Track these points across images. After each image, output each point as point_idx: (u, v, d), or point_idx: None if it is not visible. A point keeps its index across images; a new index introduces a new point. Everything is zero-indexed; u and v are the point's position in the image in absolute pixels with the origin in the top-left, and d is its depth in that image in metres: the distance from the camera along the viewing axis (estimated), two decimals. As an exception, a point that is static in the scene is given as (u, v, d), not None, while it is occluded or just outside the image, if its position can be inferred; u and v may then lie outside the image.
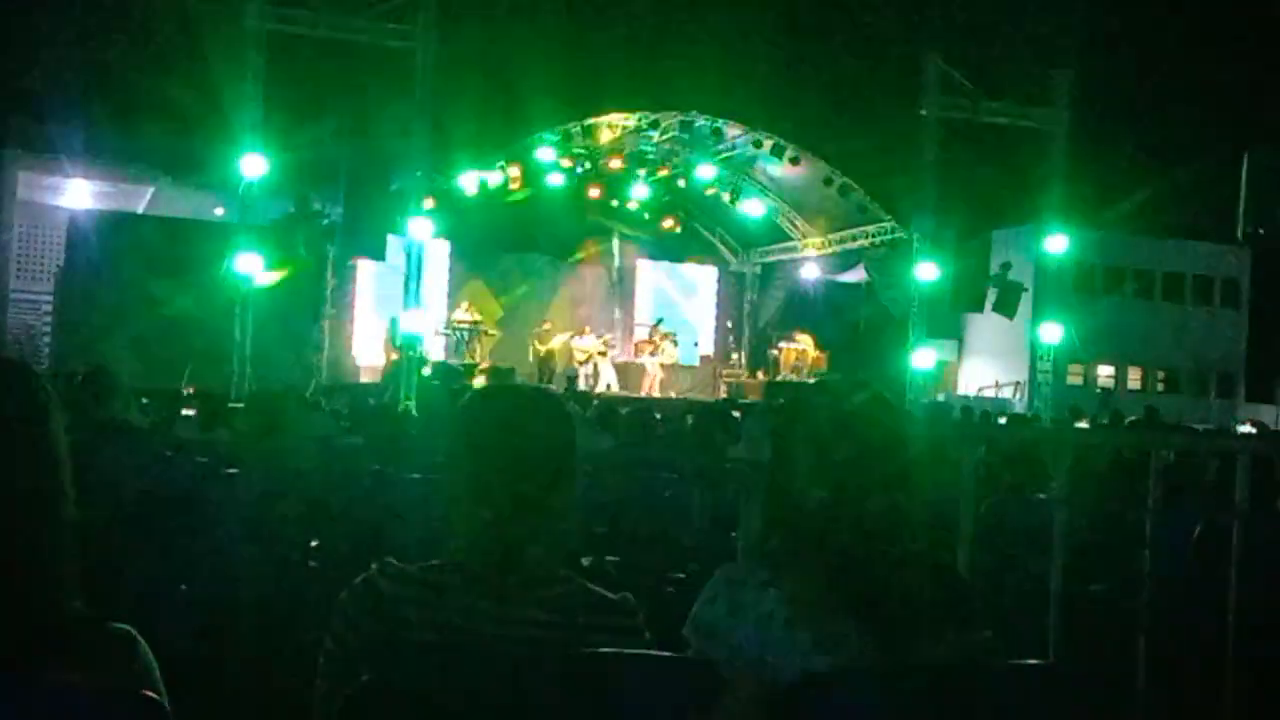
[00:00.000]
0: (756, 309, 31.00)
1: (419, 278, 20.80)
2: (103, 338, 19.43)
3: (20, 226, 24.76)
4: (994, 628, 2.28)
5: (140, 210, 25.14)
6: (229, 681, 3.93)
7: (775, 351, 26.87)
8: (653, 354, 26.45)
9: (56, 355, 21.60)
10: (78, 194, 24.84)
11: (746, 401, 20.82)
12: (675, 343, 26.72)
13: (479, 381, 21.64)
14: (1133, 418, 15.45)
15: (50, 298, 23.69)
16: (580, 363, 25.90)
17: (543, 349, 25.28)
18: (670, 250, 30.11)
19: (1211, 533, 4.67)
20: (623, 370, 26.33)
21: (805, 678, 2.08)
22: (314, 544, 4.96)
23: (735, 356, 29.74)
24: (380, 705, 2.12)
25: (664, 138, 25.49)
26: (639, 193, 27.91)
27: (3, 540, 1.75)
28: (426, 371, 20.56)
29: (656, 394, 24.86)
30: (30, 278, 25.23)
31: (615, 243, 29.39)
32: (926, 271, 24.12)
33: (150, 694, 1.79)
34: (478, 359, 23.90)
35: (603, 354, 26.22)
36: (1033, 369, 24.96)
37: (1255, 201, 12.61)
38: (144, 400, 12.14)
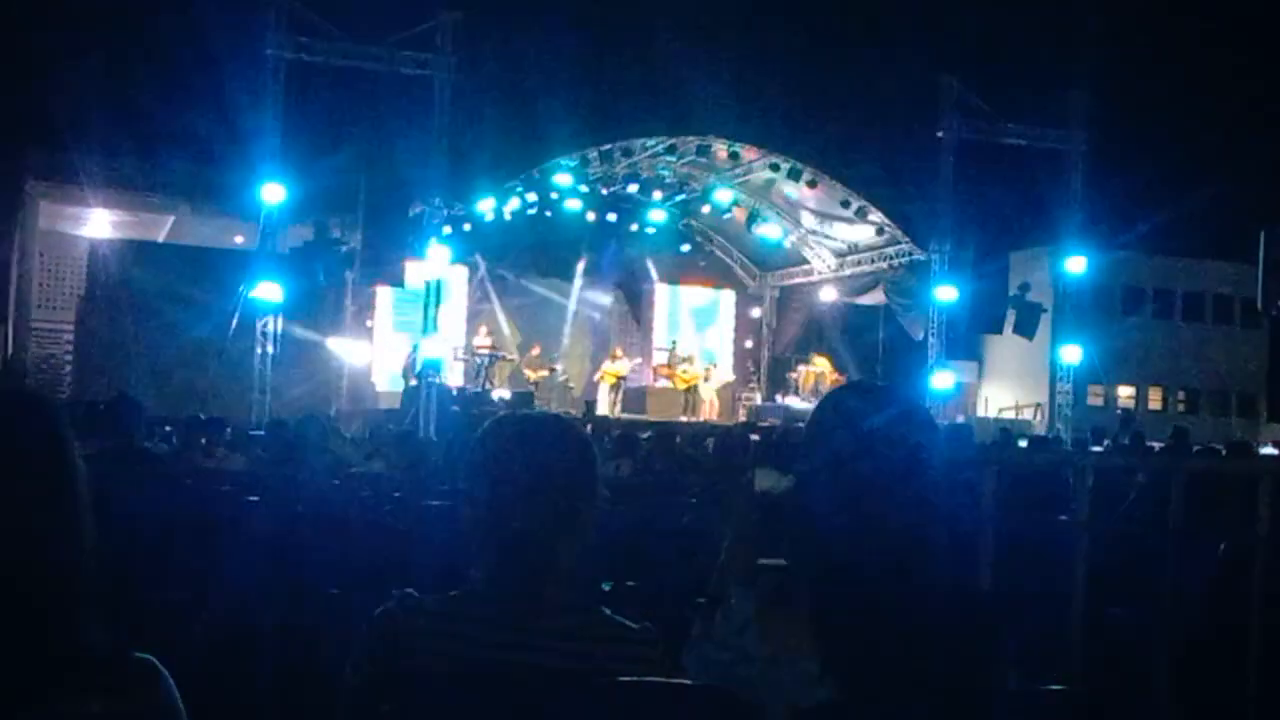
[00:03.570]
0: (775, 332, 30.98)
1: (438, 304, 20.88)
2: (123, 366, 19.55)
3: (42, 256, 24.93)
4: (1015, 653, 2.26)
5: (161, 239, 25.31)
6: (250, 711, 3.93)
7: (794, 375, 26.83)
8: (669, 378, 26.48)
9: (77, 383, 21.72)
10: (99, 223, 25.01)
11: (765, 425, 20.78)
12: (692, 363, 26.70)
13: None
14: (1158, 443, 15.37)
15: (71, 326, 23.82)
16: (613, 385, 25.91)
17: (534, 376, 25.31)
18: (688, 274, 30.13)
19: (1235, 556, 4.64)
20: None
21: (814, 707, 2.07)
22: (334, 571, 4.96)
23: (754, 380, 29.72)
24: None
25: (681, 162, 25.53)
26: (656, 217, 27.96)
27: (23, 572, 1.76)
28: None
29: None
30: (52, 307, 25.39)
31: (633, 268, 29.40)
32: (945, 293, 24.09)
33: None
34: (496, 385, 23.95)
35: (624, 377, 26.26)
36: (1052, 390, 24.88)
37: (1275, 277, 12.42)
38: (166, 428, 12.20)
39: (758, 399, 28.23)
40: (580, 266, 28.41)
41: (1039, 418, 27.88)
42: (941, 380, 24.40)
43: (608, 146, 23.94)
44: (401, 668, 2.17)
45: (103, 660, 1.80)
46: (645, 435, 11.98)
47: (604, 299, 29.78)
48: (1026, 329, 23.91)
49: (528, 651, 2.22)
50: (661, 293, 29.87)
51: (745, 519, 2.40)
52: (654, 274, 29.64)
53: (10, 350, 24.23)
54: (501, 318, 27.49)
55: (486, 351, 24.22)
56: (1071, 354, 24.15)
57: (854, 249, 27.40)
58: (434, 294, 20.68)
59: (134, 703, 1.79)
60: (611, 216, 27.36)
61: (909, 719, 2.08)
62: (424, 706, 2.10)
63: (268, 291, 19.52)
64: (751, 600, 2.24)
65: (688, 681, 2.19)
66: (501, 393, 23.17)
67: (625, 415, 24.10)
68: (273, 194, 19.58)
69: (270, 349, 19.76)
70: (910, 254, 25.41)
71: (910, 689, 2.07)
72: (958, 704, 2.10)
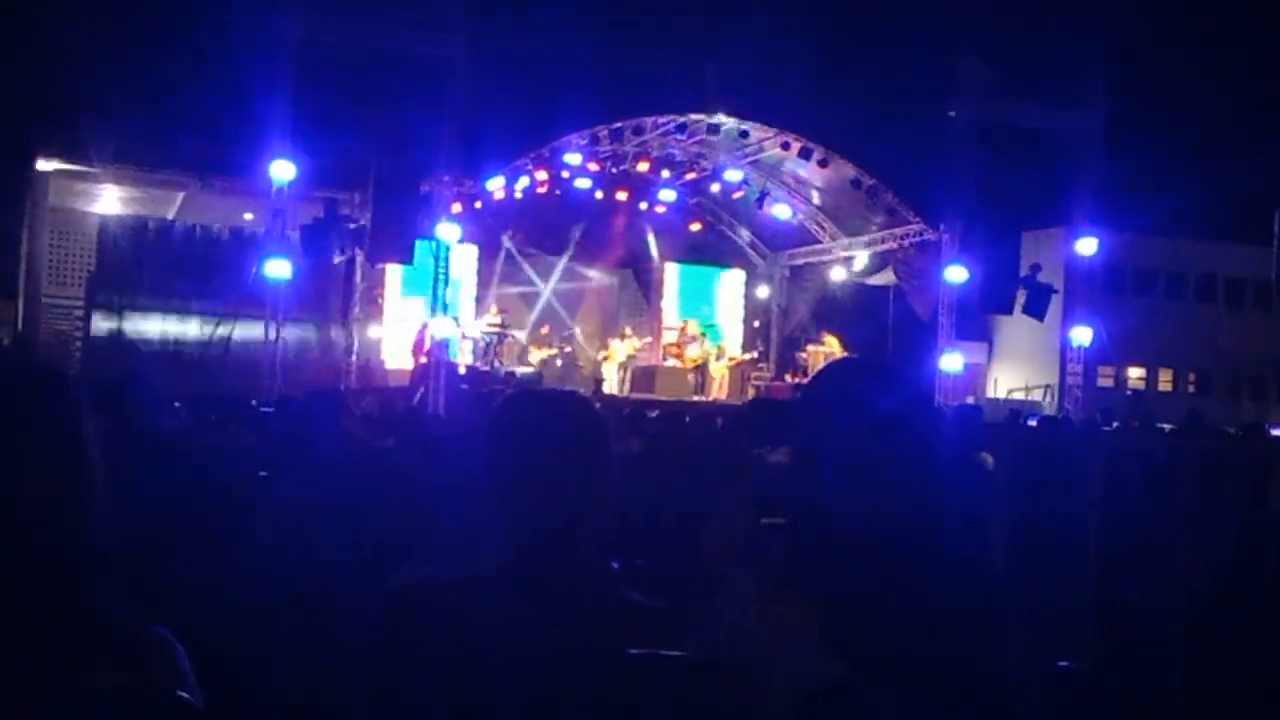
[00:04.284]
0: (784, 312, 30.93)
1: (447, 282, 20.90)
2: (134, 343, 19.57)
3: (52, 232, 24.94)
4: (1026, 632, 2.26)
5: (171, 216, 25.32)
6: (263, 684, 3.94)
7: (803, 355, 26.79)
8: (678, 357, 26.48)
9: (88, 360, 21.74)
10: (109, 200, 25.02)
11: (778, 400, 20.77)
12: (701, 343, 26.67)
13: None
14: (1168, 425, 15.34)
15: (82, 303, 23.84)
16: (622, 364, 25.99)
17: (542, 354, 25.32)
18: (698, 253, 30.09)
19: (1247, 537, 4.63)
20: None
21: (817, 688, 2.06)
22: (345, 547, 4.98)
23: (763, 360, 29.66)
24: (416, 711, 2.13)
25: (691, 140, 25.47)
26: (667, 196, 27.91)
27: (39, 547, 1.77)
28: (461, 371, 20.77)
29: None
30: (62, 283, 25.42)
31: (642, 247, 29.38)
32: (956, 274, 24.04)
33: (184, 695, 1.80)
34: (505, 363, 23.98)
35: (631, 357, 26.32)
36: (1063, 371, 24.83)
37: None
38: (175, 404, 12.20)
39: (767, 378, 28.18)
40: (579, 243, 28.32)
41: (1049, 399, 27.85)
42: (951, 361, 24.37)
43: (618, 125, 23.89)
44: (417, 641, 2.18)
45: (118, 634, 1.81)
46: (654, 414, 11.98)
47: (614, 278, 29.77)
48: (1037, 310, 23.83)
49: (542, 627, 2.22)
50: (670, 271, 29.86)
51: (750, 486, 2.40)
52: (663, 253, 29.61)
53: (21, 326, 24.29)
54: (511, 296, 27.49)
55: (496, 330, 24.25)
56: (1082, 335, 24.09)
57: (864, 228, 27.36)
58: (443, 269, 20.70)
59: (150, 675, 1.80)
60: (621, 195, 27.32)
61: (914, 700, 2.08)
62: (439, 680, 2.11)
63: (277, 269, 19.54)
64: (753, 580, 2.24)
65: (700, 656, 2.19)
66: (510, 371, 23.19)
67: (634, 394, 24.11)
68: (282, 171, 19.56)
69: (280, 326, 19.79)
70: (921, 234, 25.37)
71: (916, 670, 2.06)
72: (965, 685, 2.09)
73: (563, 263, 28.38)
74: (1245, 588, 3.96)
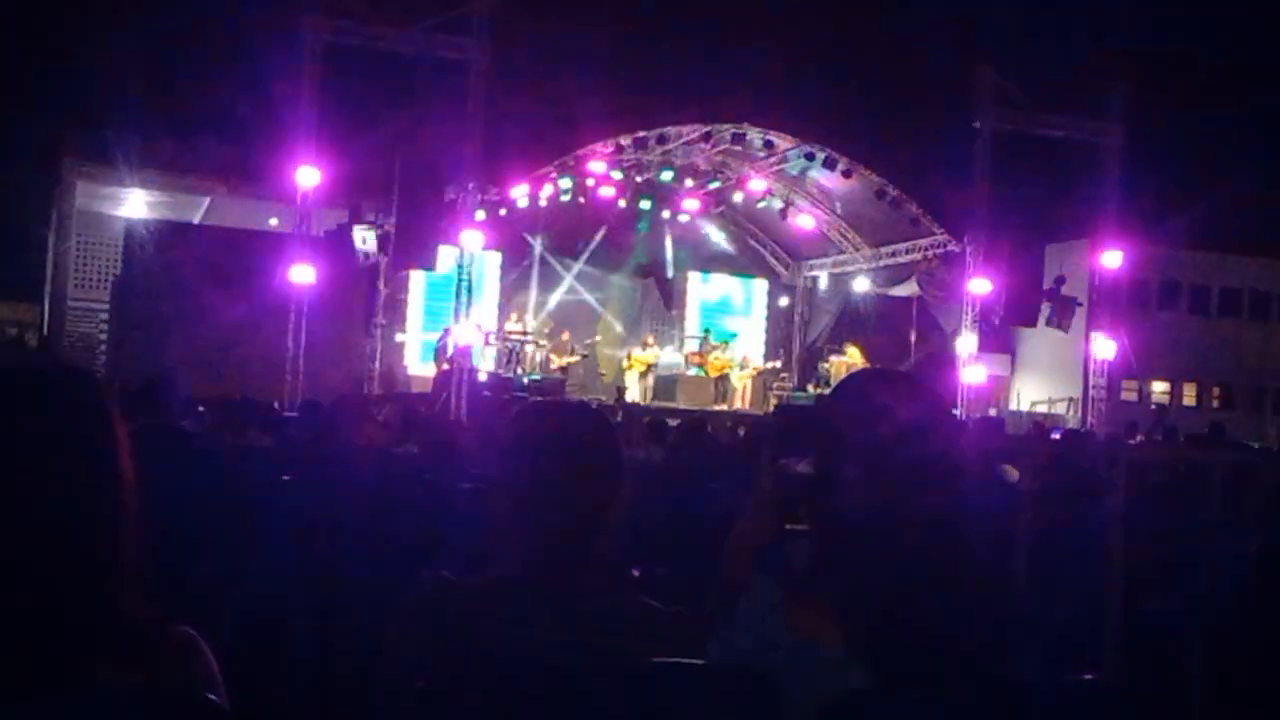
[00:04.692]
0: (807, 322, 30.89)
1: (470, 289, 20.94)
2: (158, 346, 19.65)
3: (78, 236, 25.09)
4: (1048, 643, 2.26)
5: (196, 220, 25.45)
6: (282, 685, 3.96)
7: (825, 365, 26.74)
8: (701, 366, 26.44)
9: (113, 363, 21.84)
10: (135, 204, 25.17)
11: (799, 405, 20.73)
12: (724, 351, 26.64)
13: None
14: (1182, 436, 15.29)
15: (107, 306, 23.98)
16: (643, 373, 25.96)
17: (562, 361, 25.28)
18: (721, 263, 30.09)
19: (1269, 551, 4.61)
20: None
21: (841, 694, 2.06)
22: (365, 552, 4.99)
23: (785, 370, 29.61)
24: (434, 715, 2.13)
25: (716, 150, 25.47)
26: (690, 205, 27.92)
27: (70, 547, 1.77)
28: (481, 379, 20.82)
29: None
30: (88, 286, 25.58)
31: (665, 255, 29.37)
32: (979, 285, 23.98)
33: (211, 696, 1.80)
34: (527, 370, 23.98)
35: (653, 365, 26.28)
36: (1086, 384, 24.73)
37: None
38: (199, 408, 12.25)
39: (789, 388, 28.12)
40: (602, 251, 28.37)
41: (1072, 412, 27.72)
42: (973, 373, 24.30)
43: (642, 133, 23.92)
44: (435, 647, 2.18)
45: (144, 634, 1.81)
46: (675, 423, 11.97)
47: (637, 287, 29.77)
48: (1061, 322, 23.76)
49: (562, 632, 2.22)
50: (693, 280, 29.85)
51: (772, 493, 2.40)
52: (686, 261, 29.61)
53: (46, 329, 24.46)
54: (534, 304, 27.51)
55: (518, 337, 24.26)
56: (1105, 348, 23.99)
57: (887, 239, 27.31)
58: (466, 275, 20.74)
59: (174, 674, 1.80)
60: (645, 203, 27.34)
61: (938, 707, 2.08)
62: (457, 686, 2.11)
63: (302, 274, 19.60)
64: (775, 587, 2.24)
65: (720, 664, 2.19)
66: (533, 378, 23.19)
67: (656, 403, 24.08)
68: (308, 177, 19.65)
69: (303, 332, 19.85)
70: (945, 245, 25.31)
71: (937, 679, 2.06)
72: (987, 693, 2.09)
73: (585, 270, 28.41)
74: (1267, 602, 3.95)
